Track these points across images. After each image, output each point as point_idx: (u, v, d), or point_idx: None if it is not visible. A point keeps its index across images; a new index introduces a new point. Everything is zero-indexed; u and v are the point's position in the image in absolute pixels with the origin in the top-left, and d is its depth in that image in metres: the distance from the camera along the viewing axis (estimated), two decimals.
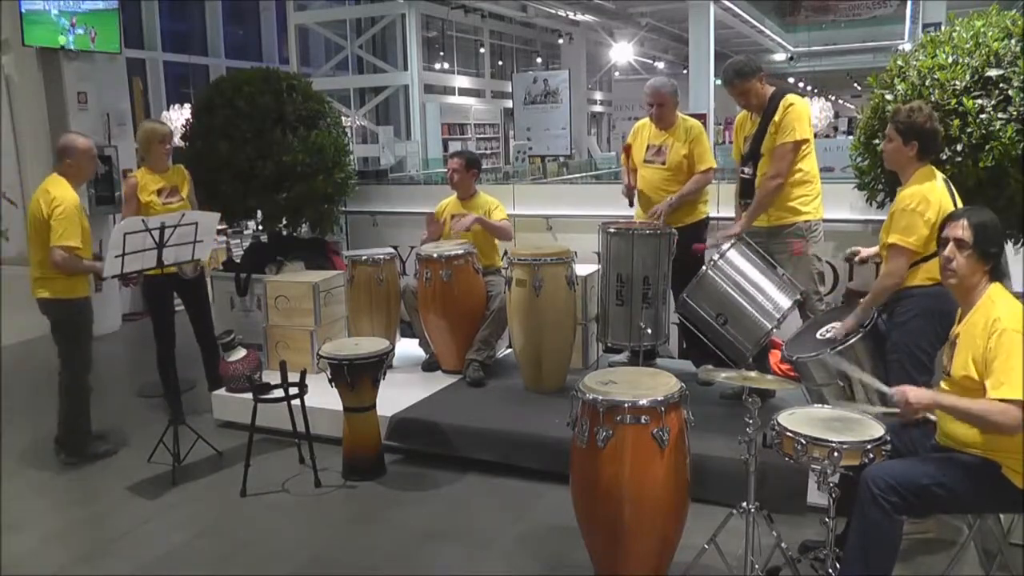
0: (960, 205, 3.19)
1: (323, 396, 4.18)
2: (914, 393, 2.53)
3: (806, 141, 4.09)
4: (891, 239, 3.22)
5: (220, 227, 7.26)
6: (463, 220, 5.12)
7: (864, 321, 3.35)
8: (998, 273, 2.62)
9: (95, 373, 4.52)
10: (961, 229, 2.61)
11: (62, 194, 4.18)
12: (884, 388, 2.70)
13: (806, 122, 4.09)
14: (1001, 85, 3.67)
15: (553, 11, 17.42)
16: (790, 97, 4.11)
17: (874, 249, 3.60)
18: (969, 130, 3.66)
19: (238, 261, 6.99)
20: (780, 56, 23.37)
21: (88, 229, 4.33)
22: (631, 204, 4.77)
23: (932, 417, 2.71)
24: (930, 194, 3.17)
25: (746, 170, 4.25)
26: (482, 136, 19.20)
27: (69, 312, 4.31)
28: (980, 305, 2.56)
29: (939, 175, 3.29)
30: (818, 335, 3.53)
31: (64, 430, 4.43)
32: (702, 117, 10.43)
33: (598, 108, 24.99)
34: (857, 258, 3.66)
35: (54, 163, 4.33)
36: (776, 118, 4.06)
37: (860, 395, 3.29)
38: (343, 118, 7.56)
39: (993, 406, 2.40)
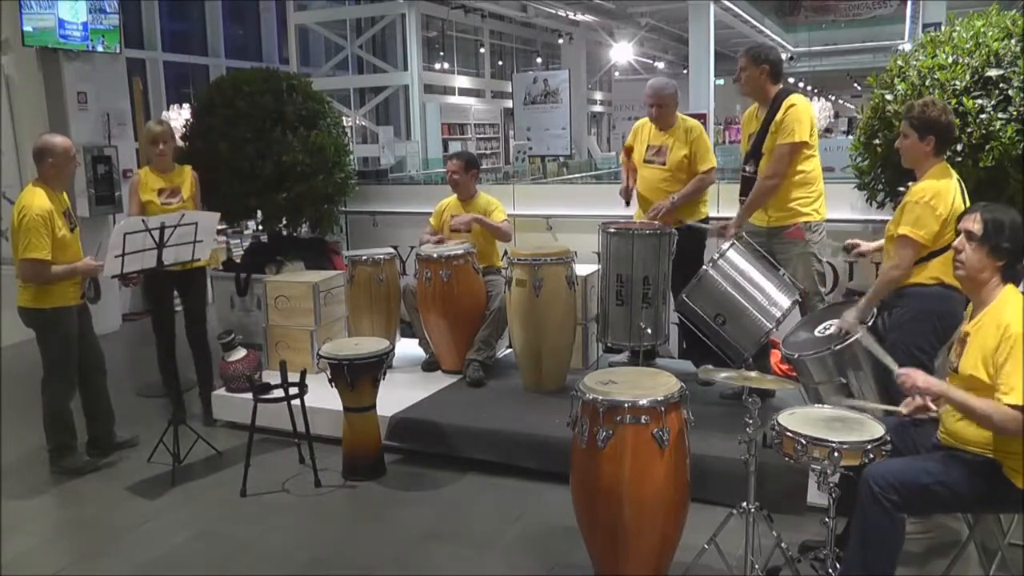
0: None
1: (323, 396, 4.18)
2: (923, 379, 2.53)
3: (805, 143, 4.04)
4: (901, 230, 3.20)
5: (220, 227, 7.26)
6: (460, 217, 5.15)
7: (865, 317, 3.33)
8: (1014, 275, 2.59)
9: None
10: (972, 221, 2.61)
11: (29, 202, 3.97)
12: (894, 366, 2.69)
13: (807, 124, 4.03)
14: (1001, 85, 3.68)
15: (553, 11, 17.40)
16: (792, 98, 4.06)
17: (874, 244, 3.59)
18: (969, 130, 3.66)
19: (238, 261, 7.00)
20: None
21: (68, 236, 4.09)
22: (627, 204, 4.77)
23: (933, 412, 2.70)
24: (944, 189, 3.17)
25: (748, 168, 4.23)
26: (482, 136, 19.19)
27: (32, 321, 4.16)
28: (993, 306, 2.56)
29: (954, 175, 3.28)
30: (816, 332, 3.51)
31: (47, 441, 4.31)
32: (702, 117, 10.41)
33: (598, 108, 24.96)
34: (855, 251, 3.65)
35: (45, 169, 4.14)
36: (777, 117, 4.04)
37: (859, 394, 3.29)
38: (343, 118, 7.57)
39: (999, 410, 2.40)
